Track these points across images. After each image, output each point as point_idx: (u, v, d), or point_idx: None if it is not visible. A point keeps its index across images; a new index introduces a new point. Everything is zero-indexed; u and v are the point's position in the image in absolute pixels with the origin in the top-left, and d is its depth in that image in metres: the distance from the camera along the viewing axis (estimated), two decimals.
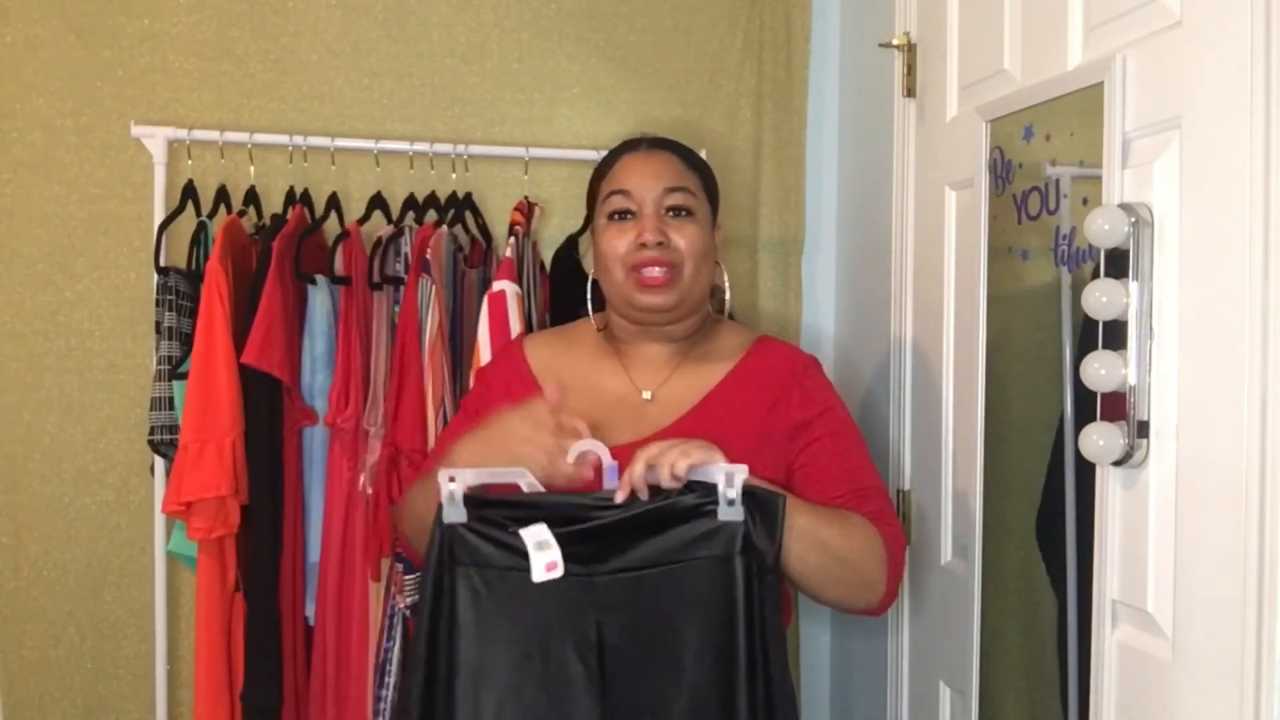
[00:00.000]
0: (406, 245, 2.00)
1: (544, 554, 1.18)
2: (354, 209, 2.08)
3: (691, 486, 1.18)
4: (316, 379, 1.93)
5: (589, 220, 1.50)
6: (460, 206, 2.08)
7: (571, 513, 1.20)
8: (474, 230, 2.10)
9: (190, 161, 2.04)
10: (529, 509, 1.20)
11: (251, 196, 2.04)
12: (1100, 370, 1.13)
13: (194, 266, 1.99)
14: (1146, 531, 1.13)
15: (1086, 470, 1.23)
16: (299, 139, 2.04)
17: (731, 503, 1.17)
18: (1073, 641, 1.30)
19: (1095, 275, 1.17)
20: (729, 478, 1.16)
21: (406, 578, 1.85)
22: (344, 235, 1.97)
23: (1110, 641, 1.20)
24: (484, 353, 1.86)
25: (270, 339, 1.85)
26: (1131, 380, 1.12)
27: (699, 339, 1.46)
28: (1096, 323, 1.16)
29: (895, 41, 1.80)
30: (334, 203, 2.06)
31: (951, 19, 1.63)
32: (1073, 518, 1.30)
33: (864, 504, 1.35)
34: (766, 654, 1.18)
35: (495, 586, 1.21)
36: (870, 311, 1.99)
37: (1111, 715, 1.19)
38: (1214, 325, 1.05)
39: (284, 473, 1.92)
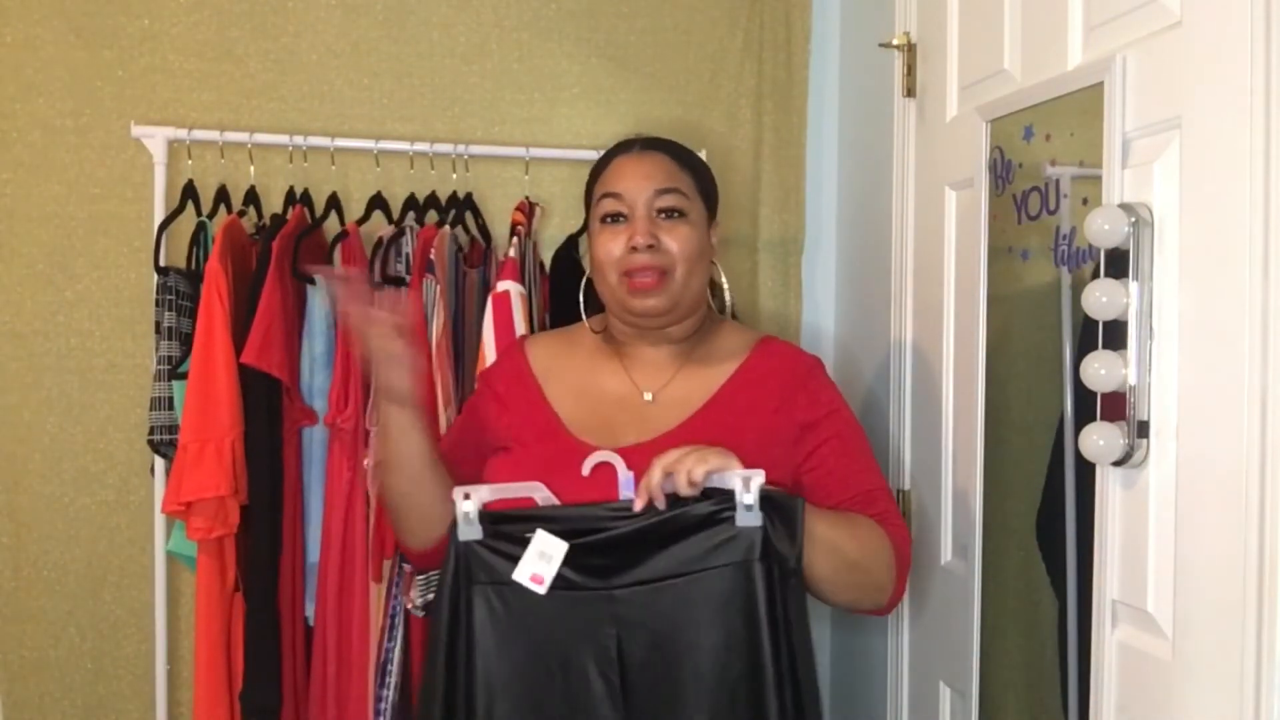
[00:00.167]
0: (408, 245, 2.00)
1: (538, 565, 1.17)
2: (354, 209, 2.08)
3: (707, 493, 1.17)
4: (316, 379, 1.93)
5: (587, 221, 1.50)
6: (460, 207, 2.08)
7: (588, 524, 1.19)
8: (474, 230, 2.10)
9: (190, 161, 2.04)
10: (545, 522, 1.20)
11: (251, 196, 2.04)
12: (1100, 370, 1.13)
13: (194, 266, 1.99)
14: (1146, 531, 1.13)
15: (1086, 470, 1.23)
16: (299, 139, 2.04)
17: (749, 508, 1.16)
18: (1073, 641, 1.30)
19: (1095, 275, 1.17)
20: (746, 483, 1.16)
21: (418, 577, 1.85)
22: (343, 235, 1.97)
23: (1110, 641, 1.20)
24: (489, 353, 1.86)
25: (270, 339, 1.85)
26: (1131, 380, 1.12)
27: (700, 340, 1.45)
28: (1096, 323, 1.16)
29: (895, 41, 1.80)
30: (334, 203, 2.06)
31: (951, 19, 1.63)
32: (1073, 518, 1.30)
33: (870, 506, 1.35)
34: (794, 658, 1.18)
35: (512, 603, 1.20)
36: (870, 311, 1.99)
37: (1111, 715, 1.19)
38: (1214, 325, 1.05)
39: (284, 473, 1.92)
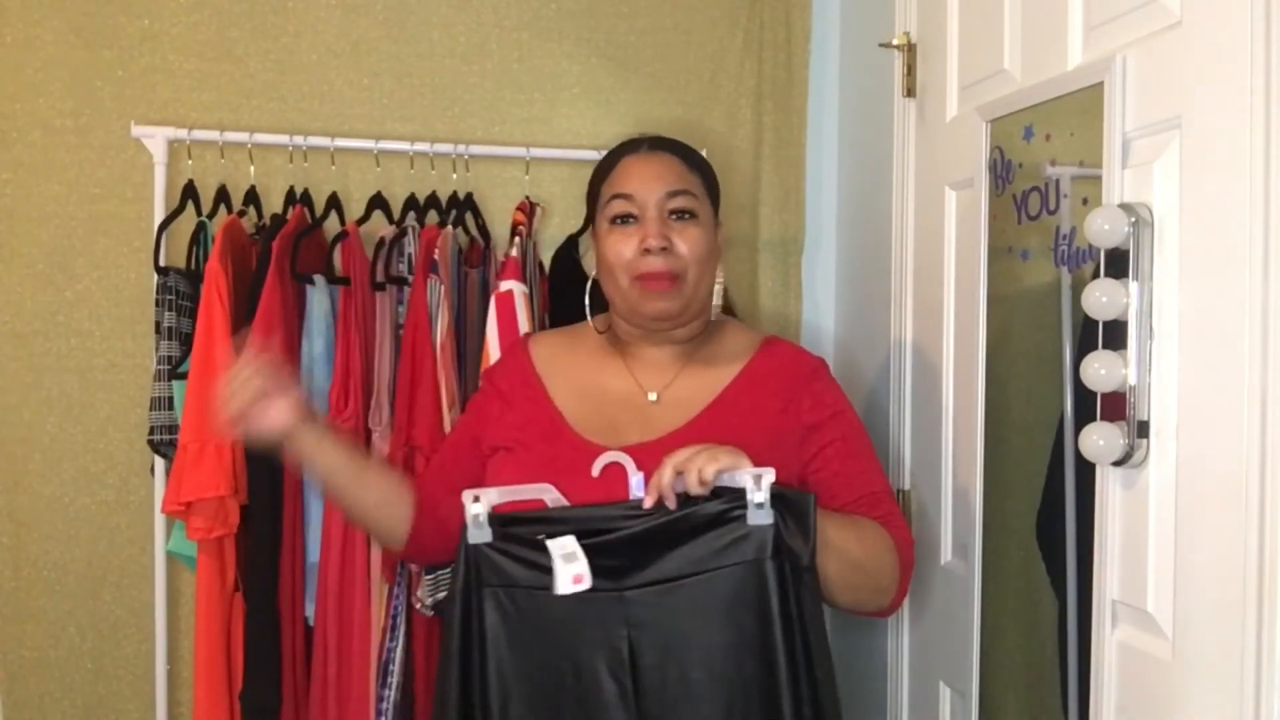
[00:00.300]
0: (410, 246, 2.00)
1: (571, 566, 1.16)
2: (354, 209, 2.08)
3: (717, 492, 1.17)
4: (316, 379, 1.93)
5: (589, 221, 1.49)
6: (460, 207, 2.08)
7: (599, 524, 1.19)
8: (474, 230, 2.10)
9: (190, 161, 2.04)
10: (555, 524, 1.19)
11: (251, 196, 2.04)
12: (1100, 370, 1.13)
13: (194, 266, 1.99)
14: (1146, 531, 1.13)
15: (1086, 470, 1.23)
16: (299, 139, 2.04)
17: (761, 506, 1.16)
18: (1073, 641, 1.30)
19: (1095, 275, 1.17)
20: (757, 481, 1.15)
21: (426, 576, 1.85)
22: (342, 235, 1.97)
23: (1110, 641, 1.20)
24: (493, 352, 1.86)
25: (269, 339, 1.85)
26: (1131, 380, 1.12)
27: (704, 340, 1.45)
28: (1096, 323, 1.16)
29: (895, 41, 1.80)
30: (334, 203, 2.06)
31: (951, 19, 1.63)
32: (1073, 518, 1.30)
33: (874, 508, 1.35)
34: (809, 654, 1.17)
35: (524, 606, 1.20)
36: (870, 311, 1.99)
37: (1111, 715, 1.19)
38: (1214, 325, 1.05)
39: (284, 473, 1.92)
